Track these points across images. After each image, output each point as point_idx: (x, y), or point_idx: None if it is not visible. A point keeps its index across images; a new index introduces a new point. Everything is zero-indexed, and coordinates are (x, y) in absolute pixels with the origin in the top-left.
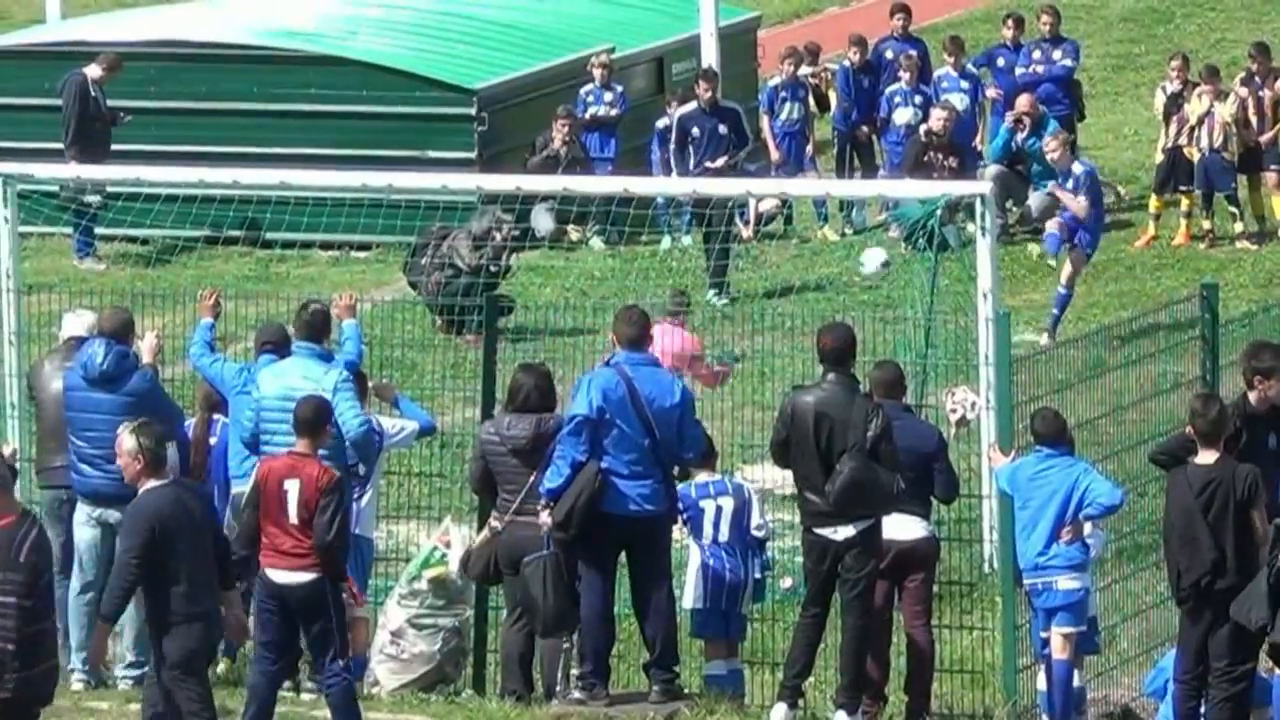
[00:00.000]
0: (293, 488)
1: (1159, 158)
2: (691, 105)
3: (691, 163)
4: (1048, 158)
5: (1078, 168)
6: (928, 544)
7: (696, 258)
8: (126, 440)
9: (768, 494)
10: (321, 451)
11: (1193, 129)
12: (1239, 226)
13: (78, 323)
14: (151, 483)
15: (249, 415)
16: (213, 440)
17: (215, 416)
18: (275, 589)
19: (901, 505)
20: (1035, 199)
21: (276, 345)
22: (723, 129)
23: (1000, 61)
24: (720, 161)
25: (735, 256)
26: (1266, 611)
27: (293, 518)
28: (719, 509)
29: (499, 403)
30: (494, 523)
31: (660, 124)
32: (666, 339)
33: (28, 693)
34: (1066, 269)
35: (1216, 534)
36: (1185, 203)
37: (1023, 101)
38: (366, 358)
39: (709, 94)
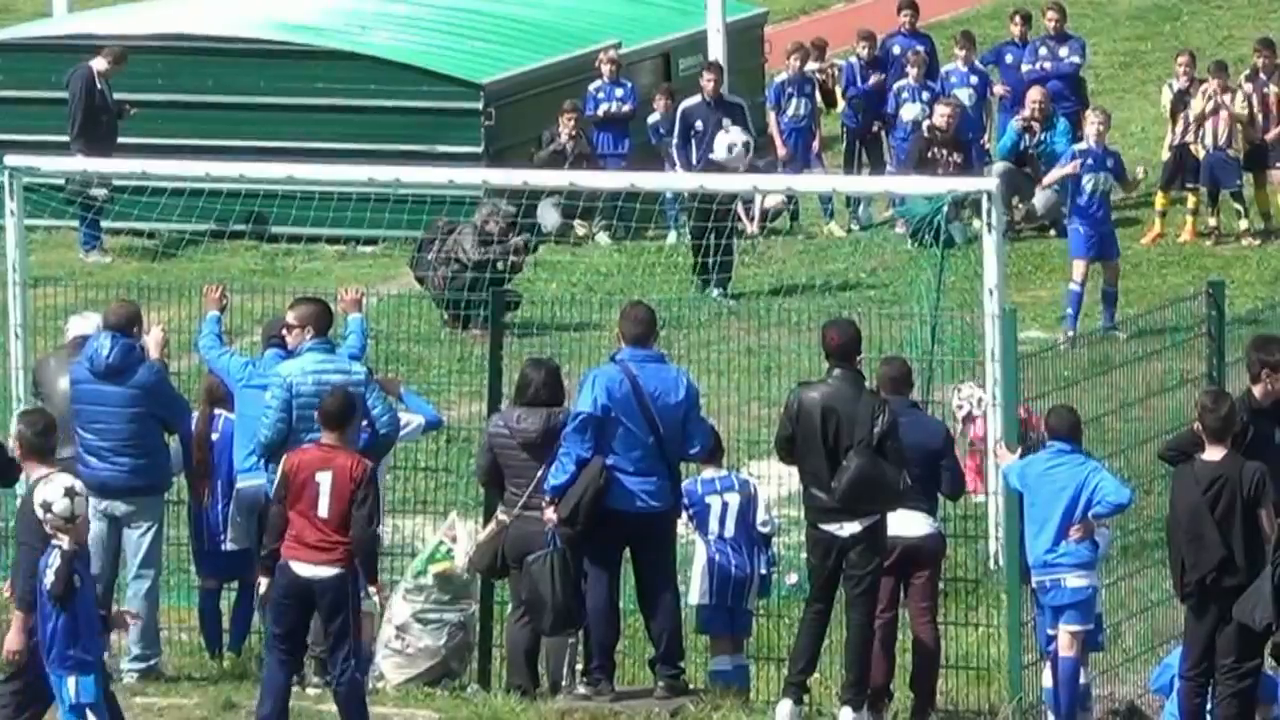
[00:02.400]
0: (325, 480)
1: (1165, 154)
2: (695, 99)
3: (694, 156)
4: (1088, 130)
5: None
6: (934, 540)
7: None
8: (13, 425)
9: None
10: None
11: (1198, 126)
12: (1243, 224)
13: (84, 323)
14: (40, 470)
15: (279, 416)
16: (215, 436)
17: (217, 411)
18: (298, 581)
19: (907, 501)
20: (1041, 197)
21: (284, 340)
22: (726, 123)
23: (1008, 58)
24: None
25: (740, 252)
26: (1271, 611)
27: (322, 511)
28: (725, 504)
29: (505, 397)
30: (501, 516)
31: (651, 120)
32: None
33: None
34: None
35: (1224, 531)
36: (1191, 200)
37: (1035, 94)
38: (373, 352)
39: (713, 87)
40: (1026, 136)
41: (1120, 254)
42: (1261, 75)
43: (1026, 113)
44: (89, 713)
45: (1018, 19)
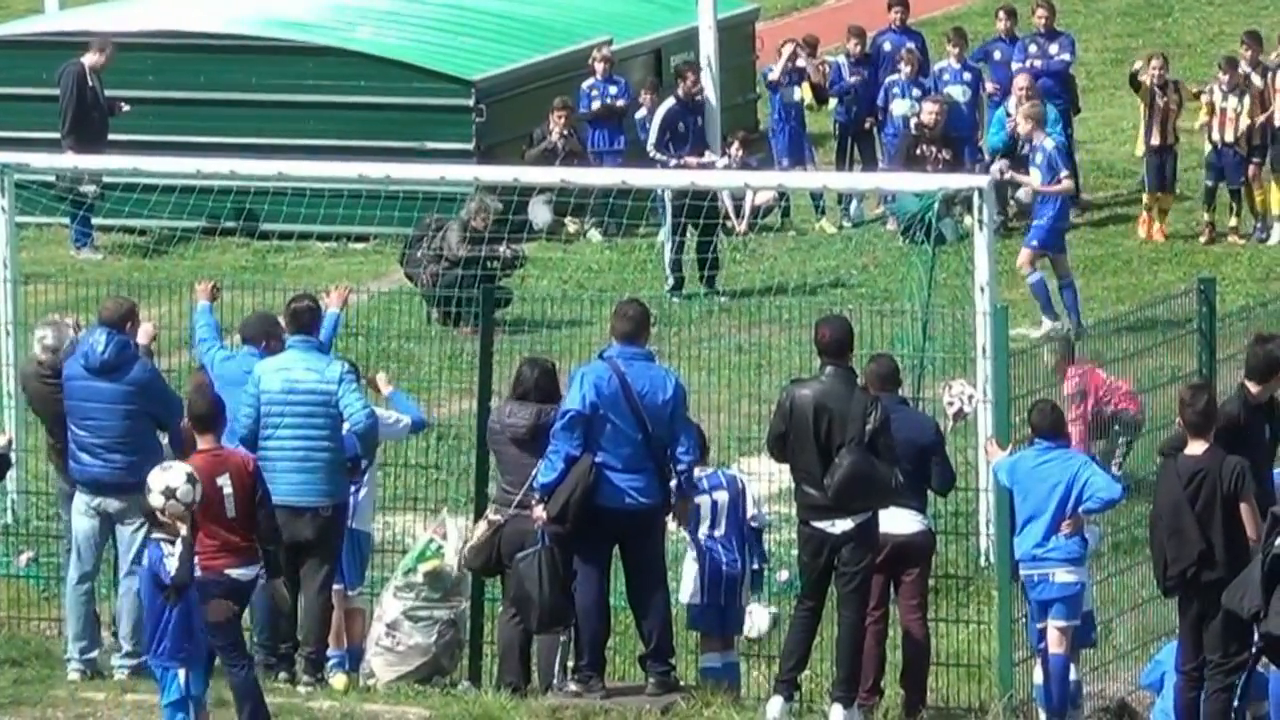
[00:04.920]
0: (225, 483)
1: (1140, 150)
2: (671, 101)
3: (674, 157)
4: (1018, 128)
5: (1049, 143)
6: (924, 538)
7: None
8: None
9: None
10: (329, 444)
11: (1206, 122)
12: (1232, 221)
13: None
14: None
15: (247, 411)
16: None
17: None
18: (238, 587)
19: (898, 498)
20: (1024, 190)
21: (253, 338)
22: (700, 122)
23: (997, 55)
24: (708, 156)
25: (731, 249)
26: (1260, 599)
27: (231, 512)
28: (714, 503)
29: (496, 394)
30: (494, 516)
31: (639, 115)
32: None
33: None
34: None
35: (1204, 525)
36: (1167, 201)
37: (1021, 80)
38: (364, 349)
39: (697, 88)
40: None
41: (1065, 249)
42: (1244, 68)
43: (1012, 101)
44: (191, 707)
45: (1002, 14)
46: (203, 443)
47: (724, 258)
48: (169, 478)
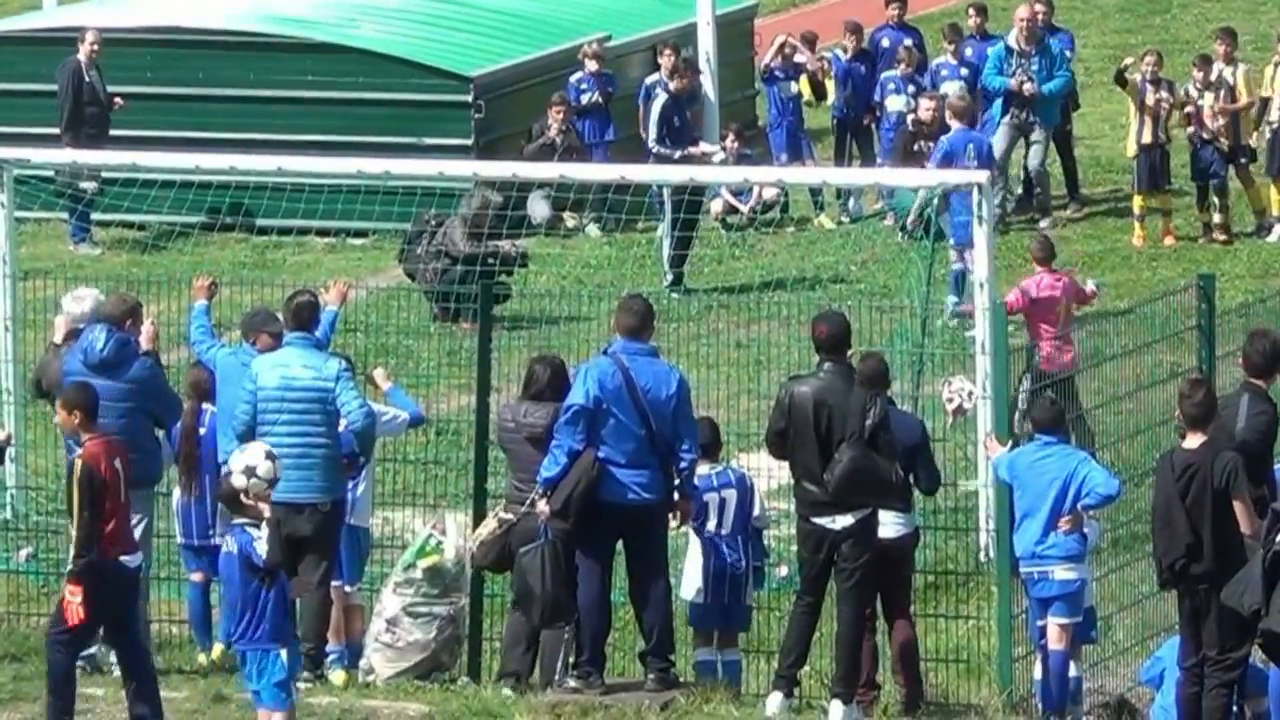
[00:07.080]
0: (120, 469)
1: (1132, 150)
2: (664, 96)
3: (675, 150)
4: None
5: (949, 140)
6: (906, 540)
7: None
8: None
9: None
10: (325, 440)
11: (1188, 119)
12: (1217, 218)
13: (77, 306)
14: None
15: (244, 407)
16: (202, 430)
17: (204, 406)
18: (132, 576)
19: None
20: (1034, 153)
21: (244, 335)
22: (689, 115)
23: (969, 51)
24: (703, 147)
25: (730, 244)
26: (1260, 596)
27: (123, 498)
28: (723, 501)
29: (494, 390)
30: (504, 514)
31: (650, 80)
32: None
33: None
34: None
35: (1193, 518)
36: (1167, 201)
37: (1023, 11)
38: (362, 344)
39: (688, 83)
40: (1014, 60)
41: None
42: (1220, 64)
43: (1012, 35)
44: (291, 687)
45: (972, 11)
46: (90, 432)
47: (723, 252)
48: (247, 457)
